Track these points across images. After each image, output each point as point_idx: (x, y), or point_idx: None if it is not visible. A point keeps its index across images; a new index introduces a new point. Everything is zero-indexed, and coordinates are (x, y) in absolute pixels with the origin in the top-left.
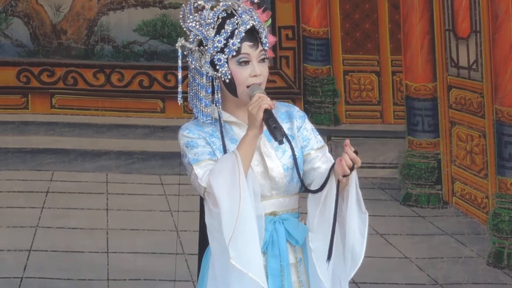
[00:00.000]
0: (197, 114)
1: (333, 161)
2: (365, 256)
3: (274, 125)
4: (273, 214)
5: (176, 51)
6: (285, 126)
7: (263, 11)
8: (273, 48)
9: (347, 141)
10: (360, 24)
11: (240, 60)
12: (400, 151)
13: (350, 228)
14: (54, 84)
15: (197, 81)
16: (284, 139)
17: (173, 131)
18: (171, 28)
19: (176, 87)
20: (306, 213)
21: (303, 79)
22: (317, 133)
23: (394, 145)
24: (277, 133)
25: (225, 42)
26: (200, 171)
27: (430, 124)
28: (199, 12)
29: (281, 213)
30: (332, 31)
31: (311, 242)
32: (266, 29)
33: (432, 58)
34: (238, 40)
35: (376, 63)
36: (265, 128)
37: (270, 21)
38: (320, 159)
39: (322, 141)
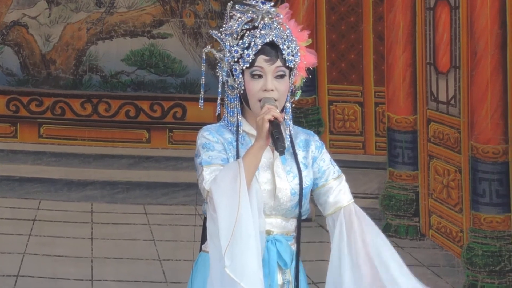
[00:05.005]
0: (224, 119)
1: (349, 194)
2: None
3: (276, 136)
4: (268, 233)
5: (163, 81)
6: (301, 155)
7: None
8: None
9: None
10: (346, 55)
11: (253, 73)
12: (381, 182)
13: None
14: (42, 114)
15: (223, 89)
16: (295, 161)
17: (158, 161)
18: (159, 58)
19: (162, 117)
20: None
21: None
22: (335, 164)
23: (375, 175)
24: (278, 144)
25: (241, 52)
26: (208, 175)
27: (410, 157)
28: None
29: (275, 234)
30: (319, 61)
31: None
32: (294, 47)
33: (414, 91)
34: (253, 52)
35: (360, 94)
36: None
37: (310, 41)
38: (334, 190)
39: (340, 171)
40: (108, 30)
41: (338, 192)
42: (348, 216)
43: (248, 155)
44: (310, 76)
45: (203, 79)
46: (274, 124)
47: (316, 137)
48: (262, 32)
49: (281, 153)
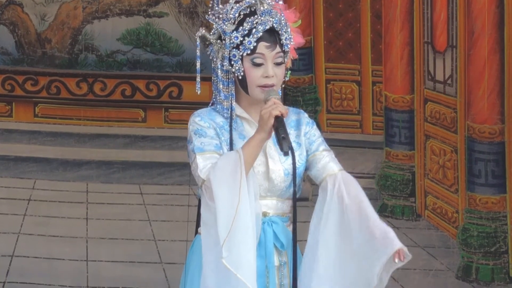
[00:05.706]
0: (216, 104)
1: (339, 165)
2: None
3: (282, 135)
4: (264, 214)
5: (159, 60)
6: (293, 134)
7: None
8: None
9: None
10: (343, 33)
11: (254, 60)
12: (378, 161)
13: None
14: (38, 93)
15: (216, 72)
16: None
17: (154, 141)
18: (155, 37)
19: (158, 96)
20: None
21: (283, 89)
22: (324, 141)
23: (372, 155)
24: (284, 144)
25: (241, 39)
26: (202, 162)
27: (406, 136)
28: (224, 5)
29: (271, 215)
30: (316, 40)
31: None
32: (289, 31)
33: (411, 70)
34: (254, 40)
35: (357, 73)
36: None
37: (300, 22)
38: (327, 156)
39: (329, 148)
40: (103, 9)
41: (329, 161)
42: (338, 181)
43: (248, 147)
44: (297, 56)
45: (199, 64)
46: (279, 121)
47: (306, 115)
48: (262, 18)
49: (286, 154)
